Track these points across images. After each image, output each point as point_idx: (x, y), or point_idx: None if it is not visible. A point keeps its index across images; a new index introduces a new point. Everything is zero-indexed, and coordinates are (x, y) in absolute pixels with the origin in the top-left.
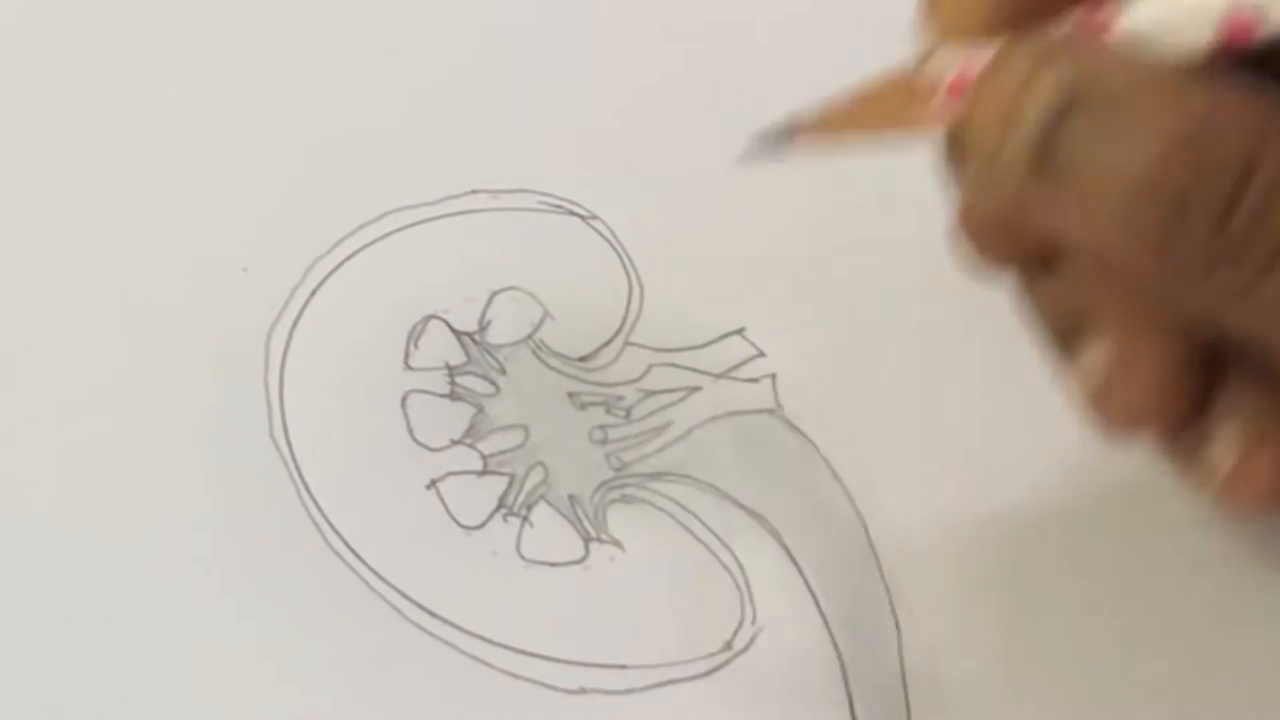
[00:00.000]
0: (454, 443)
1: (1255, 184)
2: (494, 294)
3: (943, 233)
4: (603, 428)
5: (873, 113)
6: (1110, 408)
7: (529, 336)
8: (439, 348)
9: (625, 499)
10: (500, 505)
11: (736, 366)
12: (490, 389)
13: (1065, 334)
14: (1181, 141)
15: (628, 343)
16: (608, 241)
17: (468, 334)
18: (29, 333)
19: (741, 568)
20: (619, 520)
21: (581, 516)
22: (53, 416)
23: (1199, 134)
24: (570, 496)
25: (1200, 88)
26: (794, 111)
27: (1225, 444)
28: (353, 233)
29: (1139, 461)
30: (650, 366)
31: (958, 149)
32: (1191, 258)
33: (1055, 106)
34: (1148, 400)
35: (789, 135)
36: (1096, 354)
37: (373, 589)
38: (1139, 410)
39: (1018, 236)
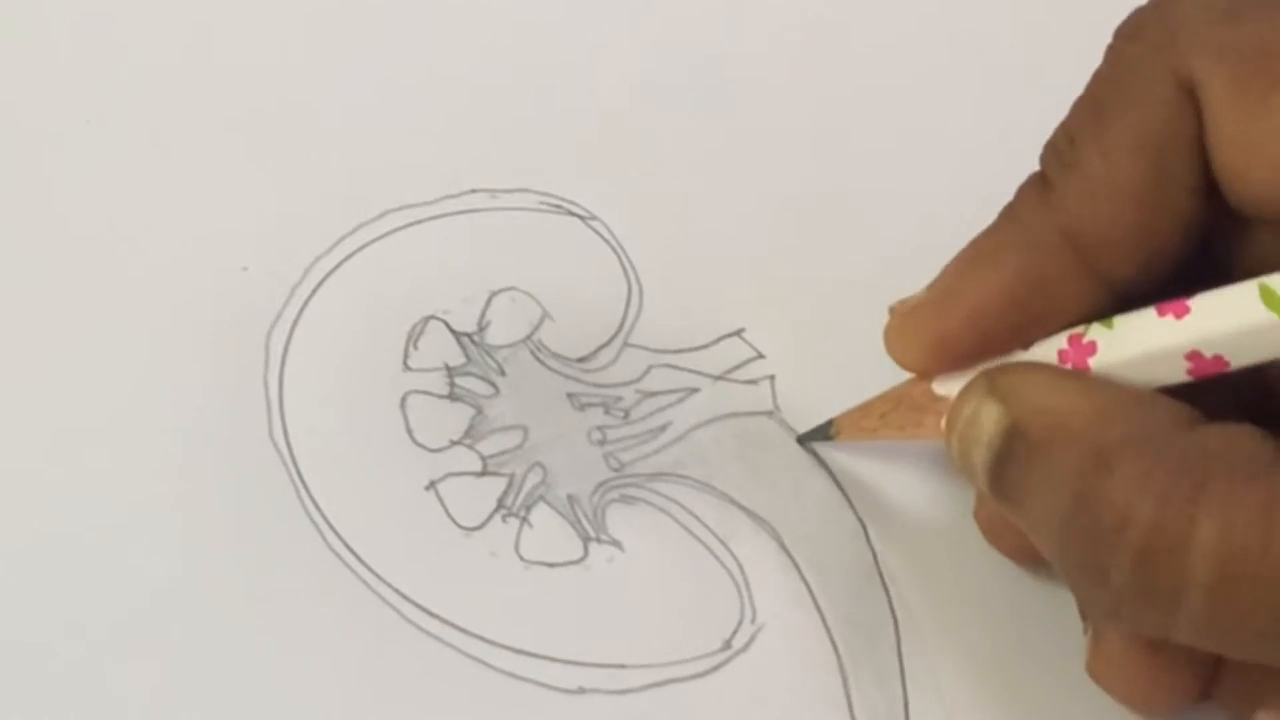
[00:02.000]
0: (453, 443)
1: (1128, 544)
2: (493, 294)
3: (943, 237)
4: (601, 428)
5: (894, 421)
6: (1096, 679)
7: (528, 337)
8: (438, 348)
9: (624, 499)
10: (499, 506)
11: (735, 368)
12: (489, 390)
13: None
14: (1074, 503)
15: (626, 344)
16: (607, 242)
17: (467, 335)
18: (29, 332)
19: (741, 567)
20: (618, 520)
21: (580, 517)
22: (52, 415)
23: (1088, 494)
24: (569, 497)
25: (1110, 442)
26: (836, 417)
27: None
28: (352, 232)
29: None
30: (649, 368)
31: None
32: (1102, 604)
33: (996, 446)
34: (1133, 685)
35: (830, 433)
36: (1086, 633)
37: (372, 589)
38: (1118, 688)
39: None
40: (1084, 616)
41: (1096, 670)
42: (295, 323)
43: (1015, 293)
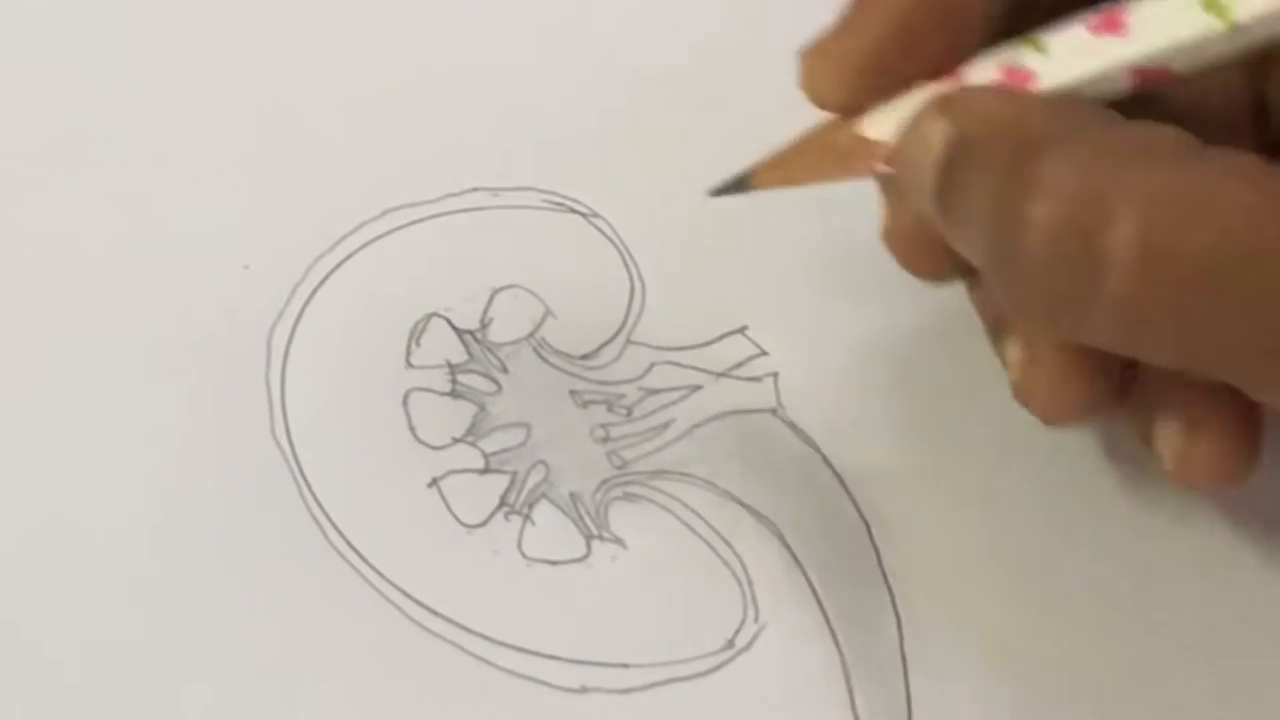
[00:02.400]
0: (455, 441)
1: (1051, 219)
2: (495, 292)
3: None
4: (604, 426)
5: (819, 168)
6: (1028, 400)
7: (530, 334)
8: (441, 346)
9: (627, 497)
10: (502, 503)
11: (738, 365)
12: (492, 387)
13: (995, 330)
14: (1005, 191)
15: (629, 341)
16: (609, 239)
17: (469, 332)
18: (30, 331)
19: (744, 566)
20: (621, 518)
21: (583, 514)
22: (53, 414)
23: (1018, 179)
24: (572, 494)
25: (1042, 133)
26: (754, 161)
27: (1165, 436)
28: (354, 230)
29: (1138, 461)
30: (652, 365)
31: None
32: (1023, 297)
33: (943, 158)
34: (1057, 394)
35: (749, 180)
36: (1012, 352)
37: (374, 587)
38: (1052, 402)
39: (938, 252)
40: (997, 341)
41: (1017, 385)
42: (297, 321)
43: (926, 7)
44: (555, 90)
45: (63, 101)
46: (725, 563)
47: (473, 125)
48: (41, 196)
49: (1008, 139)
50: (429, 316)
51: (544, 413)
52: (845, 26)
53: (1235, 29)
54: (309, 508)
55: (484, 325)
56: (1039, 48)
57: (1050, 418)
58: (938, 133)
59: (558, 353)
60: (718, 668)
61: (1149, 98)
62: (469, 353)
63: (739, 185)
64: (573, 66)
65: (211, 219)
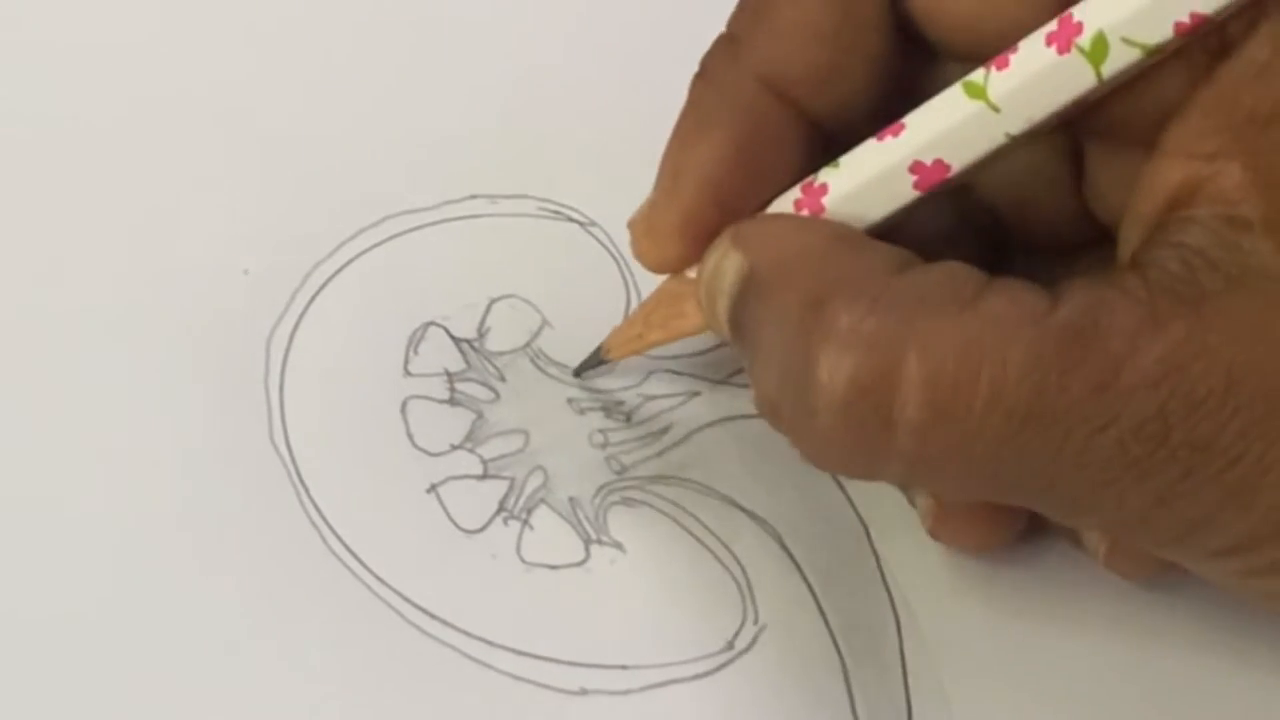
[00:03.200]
0: (454, 447)
1: (837, 386)
2: (493, 301)
3: None
4: (603, 432)
5: (658, 321)
6: (946, 542)
7: (527, 345)
8: (438, 354)
9: (626, 501)
10: (500, 509)
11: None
12: (490, 395)
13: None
14: (792, 344)
15: None
16: (606, 248)
17: (467, 341)
18: (29, 335)
19: (743, 568)
20: (620, 522)
21: (582, 519)
22: (53, 418)
23: (804, 336)
24: (571, 499)
25: (827, 283)
26: (602, 343)
27: (1092, 542)
28: (353, 237)
29: None
30: (649, 373)
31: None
32: (814, 450)
33: (735, 292)
34: (973, 537)
35: (601, 355)
36: (921, 503)
37: (373, 592)
38: (971, 543)
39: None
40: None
41: (931, 532)
42: (296, 327)
43: (737, 153)
44: (554, 98)
45: (64, 106)
46: (724, 565)
47: (471, 133)
48: (42, 201)
49: (798, 278)
50: (426, 325)
51: (542, 419)
52: (660, 197)
53: (995, 110)
54: (307, 513)
55: (481, 335)
56: (834, 165)
57: (975, 553)
58: (730, 266)
59: (555, 362)
60: (717, 670)
61: (970, 207)
62: (467, 361)
63: (594, 361)
64: (571, 75)
65: (211, 225)
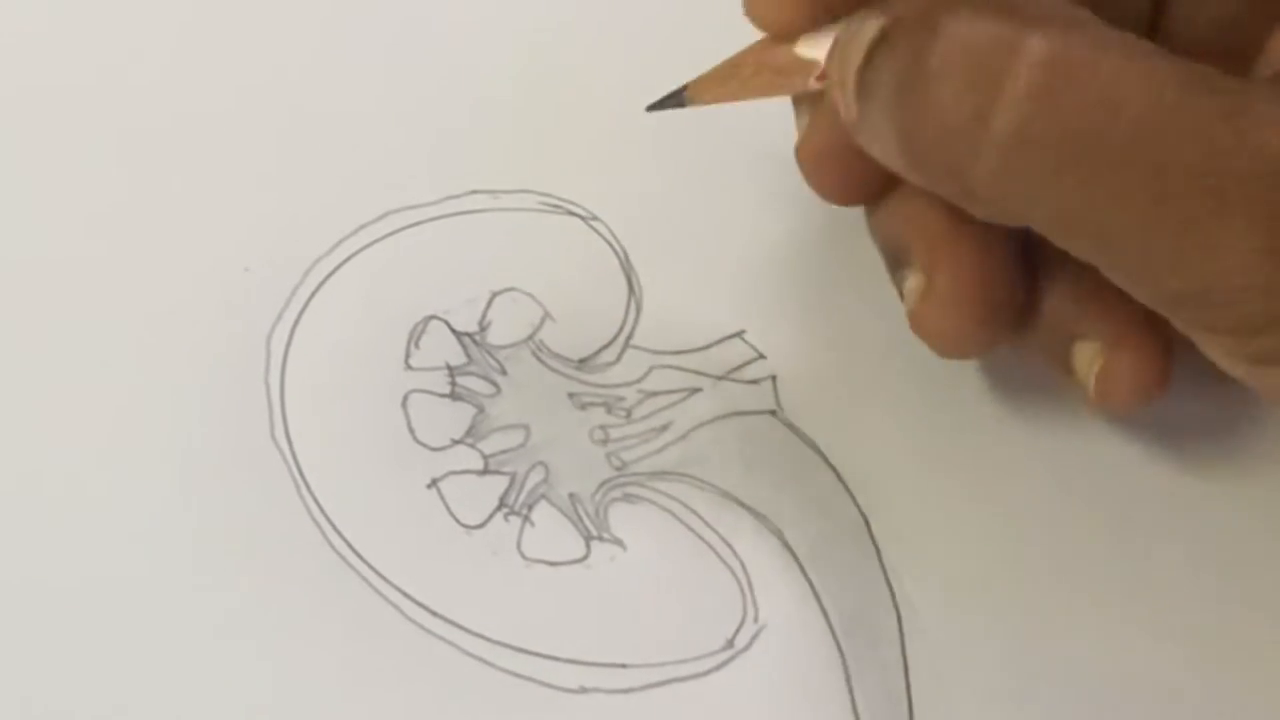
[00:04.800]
0: (455, 442)
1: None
2: (494, 295)
3: None
4: (604, 428)
5: (755, 85)
6: (924, 328)
7: (529, 338)
8: (440, 348)
9: (627, 498)
10: (501, 504)
11: (737, 368)
12: (491, 389)
13: (894, 263)
14: (915, 48)
15: (628, 345)
16: (608, 243)
17: (468, 335)
18: (29, 332)
19: (744, 566)
20: (620, 519)
21: (583, 515)
22: (53, 415)
23: (926, 29)
24: (571, 495)
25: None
26: (690, 82)
27: (1085, 357)
28: (353, 233)
29: (1138, 460)
30: (651, 368)
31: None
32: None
33: (871, 44)
34: (953, 322)
35: (685, 95)
36: (909, 282)
37: (373, 588)
38: (949, 330)
39: (847, 168)
40: (896, 272)
41: (917, 318)
42: (296, 323)
43: None
44: (555, 93)
45: (64, 104)
46: (725, 563)
47: (472, 128)
48: (42, 198)
49: (930, 19)
50: (428, 319)
51: (543, 415)
52: None
53: None
54: (308, 509)
55: (483, 328)
56: None
57: (947, 349)
58: (871, 25)
59: (556, 356)
60: (717, 668)
61: None
62: (468, 355)
63: (676, 100)
64: (572, 70)
65: (211, 221)
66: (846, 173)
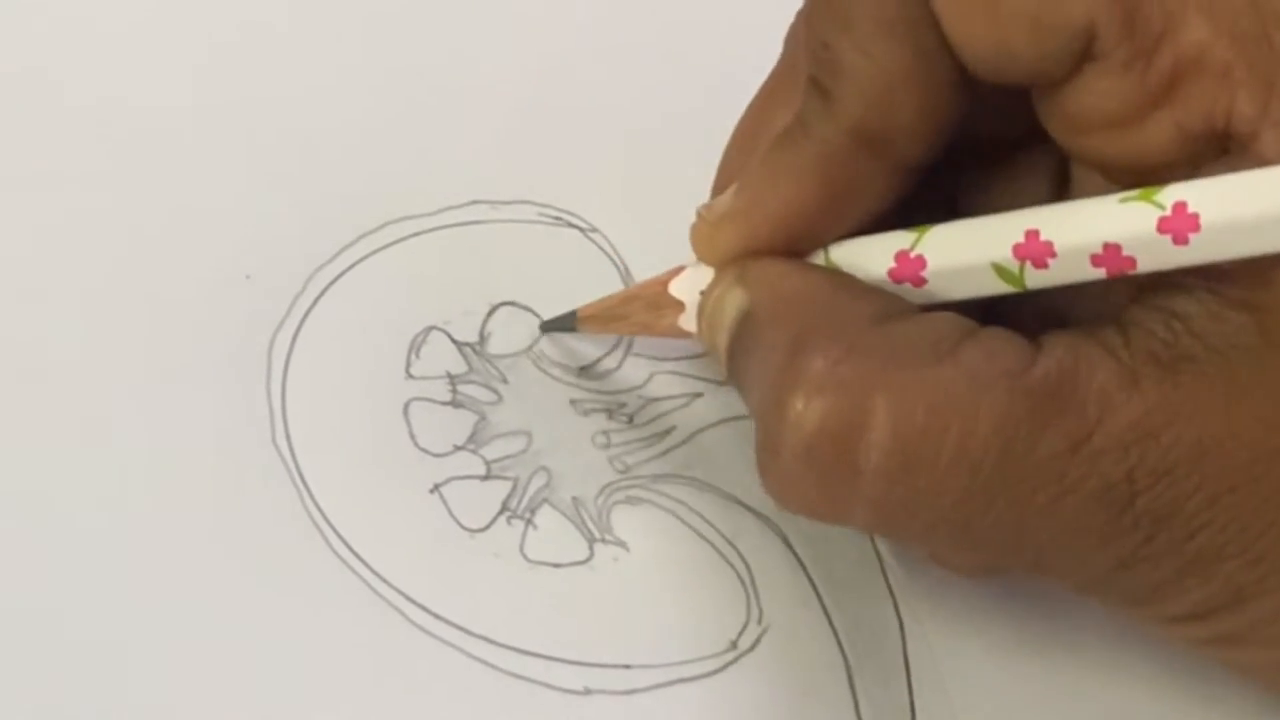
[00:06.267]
0: (457, 448)
1: (807, 428)
2: (494, 307)
3: None
4: (606, 433)
5: (635, 315)
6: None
7: (529, 348)
8: (440, 357)
9: (630, 500)
10: (504, 508)
11: None
12: (492, 397)
13: None
14: (773, 385)
15: (629, 353)
16: (606, 254)
17: (469, 344)
18: (32, 340)
19: (748, 567)
20: (623, 521)
21: (585, 518)
22: (56, 422)
23: (784, 377)
24: (574, 498)
25: (812, 327)
26: (582, 306)
27: None
28: (354, 242)
29: None
30: (652, 374)
31: None
32: (781, 491)
33: (733, 330)
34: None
35: (574, 322)
36: None
37: (376, 592)
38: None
39: None
40: None
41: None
42: (297, 332)
43: (818, 200)
44: (555, 105)
45: (64, 109)
46: (729, 564)
47: (472, 139)
48: (43, 205)
49: (783, 323)
50: (428, 330)
51: (545, 421)
52: (733, 215)
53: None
54: (310, 515)
55: (483, 339)
56: (923, 230)
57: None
58: (732, 302)
59: (557, 365)
60: (721, 669)
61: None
62: (469, 364)
63: (565, 323)
64: (572, 82)
65: (213, 230)
66: None
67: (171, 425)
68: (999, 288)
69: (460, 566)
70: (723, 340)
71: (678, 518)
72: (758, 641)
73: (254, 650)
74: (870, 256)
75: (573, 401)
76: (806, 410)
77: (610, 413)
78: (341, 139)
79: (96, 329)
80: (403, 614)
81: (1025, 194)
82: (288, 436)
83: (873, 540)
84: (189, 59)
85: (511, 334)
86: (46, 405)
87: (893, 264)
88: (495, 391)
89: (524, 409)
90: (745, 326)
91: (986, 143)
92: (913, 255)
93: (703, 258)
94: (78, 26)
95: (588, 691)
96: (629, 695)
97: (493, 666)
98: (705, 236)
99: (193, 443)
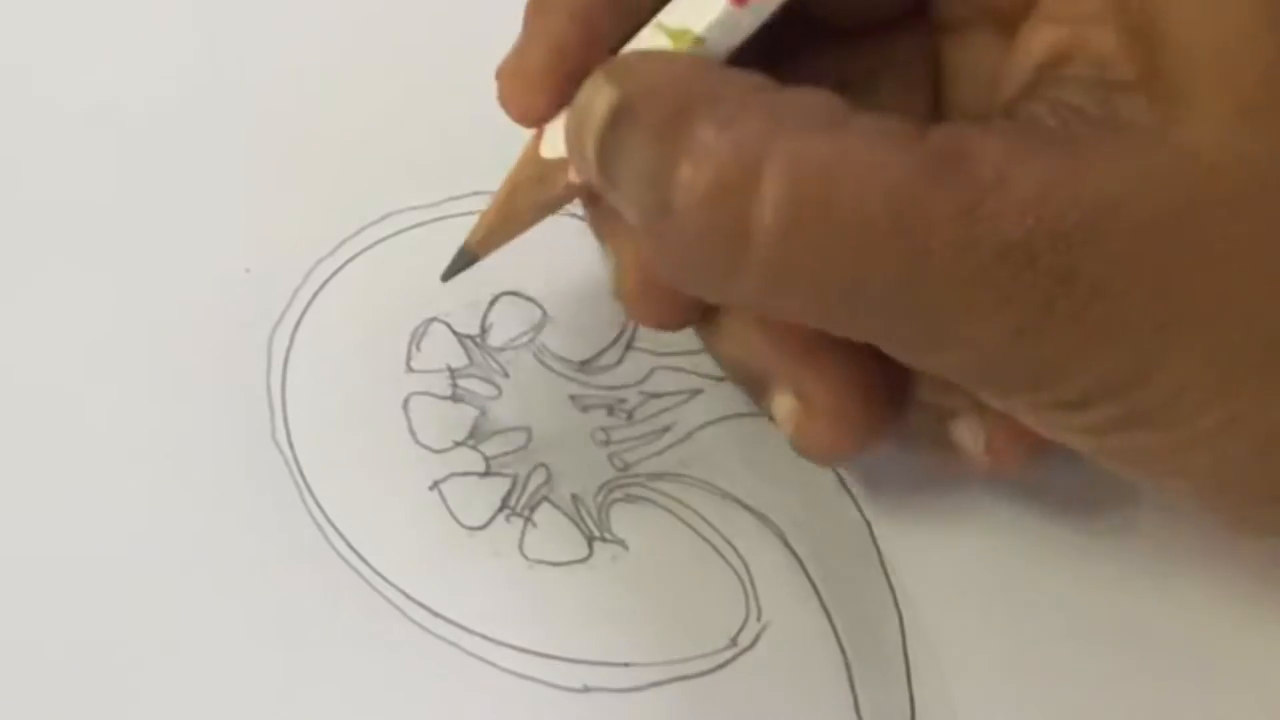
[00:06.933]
0: (457, 444)
1: (700, 184)
2: (495, 297)
3: None
4: (605, 429)
5: (523, 203)
6: (812, 452)
7: (530, 340)
8: (441, 350)
9: (629, 498)
10: (503, 506)
11: None
12: (493, 391)
13: (755, 388)
14: (657, 155)
15: (630, 347)
16: None
17: (470, 337)
18: (31, 335)
19: (746, 565)
20: (622, 519)
21: (585, 516)
22: (54, 417)
23: (669, 143)
24: (573, 496)
25: (694, 96)
26: (466, 237)
27: (967, 432)
28: (355, 234)
29: None
30: (652, 370)
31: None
32: (672, 263)
33: (605, 124)
34: (844, 437)
35: (472, 254)
36: (782, 406)
37: (376, 590)
38: (840, 446)
39: (672, 298)
40: (760, 398)
41: (802, 441)
42: (297, 325)
43: None
44: None
45: (64, 103)
46: (727, 562)
47: (474, 129)
48: (43, 200)
49: (664, 99)
50: (429, 321)
51: (545, 416)
52: (526, 38)
53: None
54: (309, 511)
55: (484, 330)
56: None
57: (836, 460)
58: (601, 99)
59: (558, 358)
60: (720, 666)
61: (820, 57)
62: (469, 357)
63: (464, 261)
64: None
65: (212, 222)
66: (673, 301)
67: (170, 420)
68: None
69: (459, 565)
70: (592, 141)
71: (676, 516)
72: (757, 639)
73: (252, 648)
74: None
75: (573, 397)
76: (697, 174)
77: (610, 409)
78: (342, 130)
79: (95, 324)
80: (402, 611)
81: (910, 73)
82: (287, 432)
83: (873, 539)
84: (187, 51)
85: (513, 324)
86: (45, 401)
87: None
88: (495, 386)
89: (524, 404)
90: (618, 117)
91: (862, 25)
92: None
93: (521, 117)
94: (75, 20)
95: (587, 689)
96: (628, 693)
97: (491, 664)
98: (510, 82)
99: (192, 438)
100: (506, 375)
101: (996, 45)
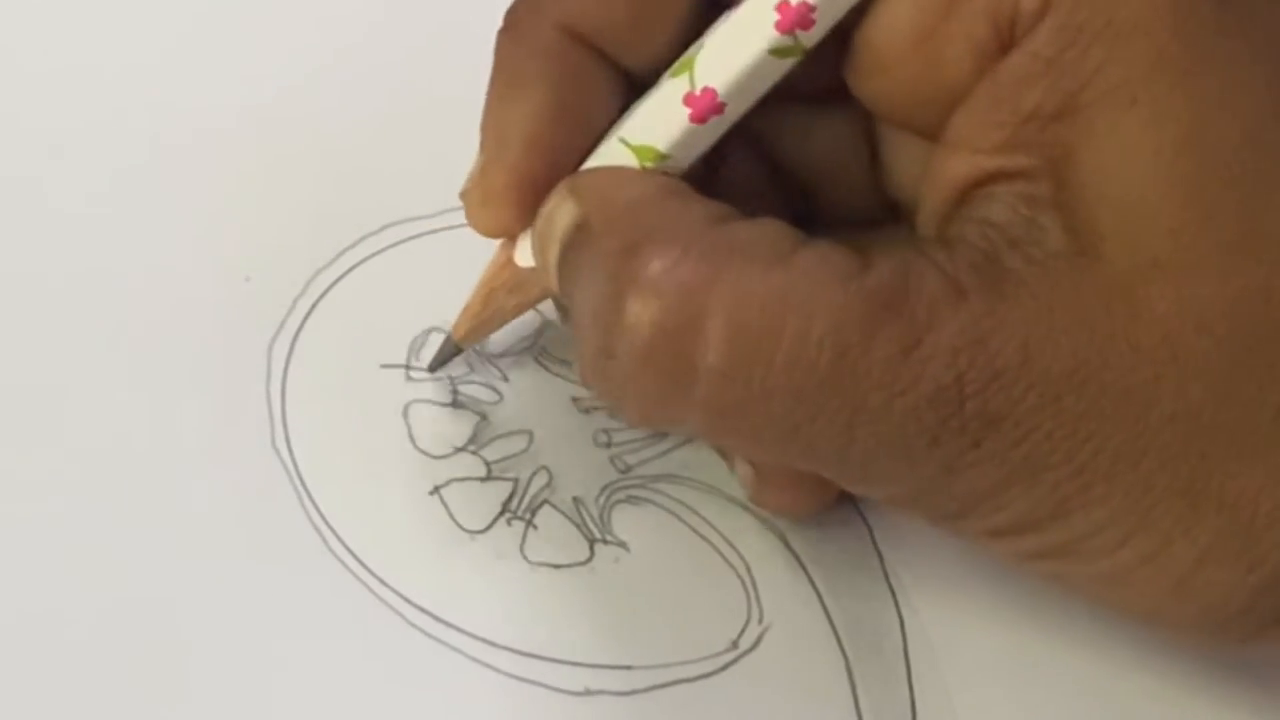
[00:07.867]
0: (457, 450)
1: (643, 326)
2: None
3: None
4: (607, 431)
5: (505, 304)
6: (770, 507)
7: (531, 345)
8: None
9: (630, 500)
10: (504, 509)
11: None
12: (494, 396)
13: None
14: (606, 288)
15: None
16: None
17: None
18: (32, 342)
19: (748, 567)
20: (624, 521)
21: (586, 518)
22: (55, 424)
23: (617, 279)
24: (575, 499)
25: (645, 229)
26: (450, 330)
27: (742, 471)
28: (354, 244)
29: None
30: None
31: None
32: (616, 395)
33: (565, 240)
34: (792, 504)
35: (454, 347)
36: (740, 470)
37: (376, 595)
38: (792, 509)
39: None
40: (726, 457)
41: (753, 498)
42: (297, 334)
43: (556, 106)
44: None
45: (65, 109)
46: (729, 564)
47: (473, 139)
48: (43, 206)
49: (620, 227)
50: (429, 331)
51: (546, 419)
52: (488, 161)
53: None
54: (310, 517)
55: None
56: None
57: (797, 519)
58: (563, 214)
59: (560, 361)
60: (722, 669)
61: (778, 172)
62: (469, 364)
63: (451, 352)
64: None
65: (213, 231)
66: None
67: (171, 428)
68: (785, 66)
69: (460, 568)
70: (553, 252)
71: (678, 518)
72: (758, 641)
73: (254, 653)
74: (662, 117)
75: (574, 399)
76: (644, 311)
77: (611, 411)
78: (342, 140)
79: (96, 331)
80: (403, 617)
81: (841, 145)
82: (287, 439)
83: (873, 539)
84: (188, 61)
85: (513, 331)
86: (46, 409)
87: (687, 110)
88: (496, 391)
89: (525, 407)
90: (577, 236)
91: (797, 97)
92: (698, 92)
93: (481, 227)
94: (76, 28)
95: (588, 692)
96: (630, 696)
97: (493, 668)
98: (475, 204)
99: (192, 446)
100: (507, 380)
101: (926, 146)
